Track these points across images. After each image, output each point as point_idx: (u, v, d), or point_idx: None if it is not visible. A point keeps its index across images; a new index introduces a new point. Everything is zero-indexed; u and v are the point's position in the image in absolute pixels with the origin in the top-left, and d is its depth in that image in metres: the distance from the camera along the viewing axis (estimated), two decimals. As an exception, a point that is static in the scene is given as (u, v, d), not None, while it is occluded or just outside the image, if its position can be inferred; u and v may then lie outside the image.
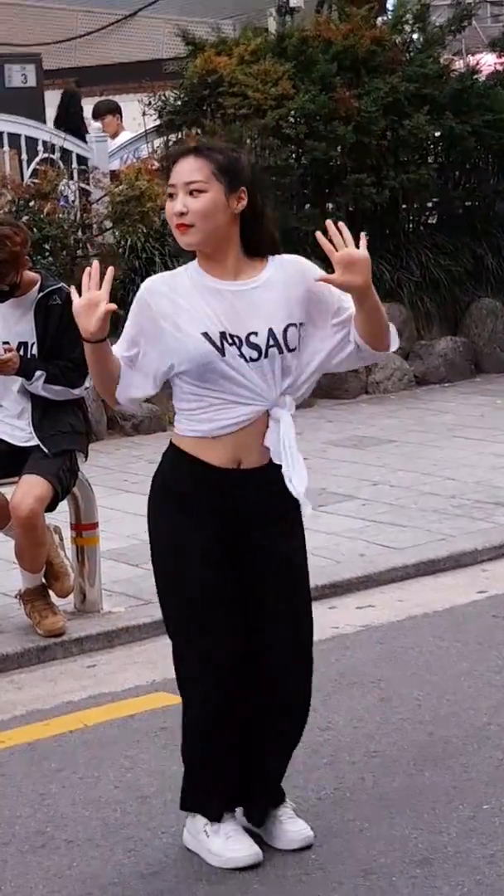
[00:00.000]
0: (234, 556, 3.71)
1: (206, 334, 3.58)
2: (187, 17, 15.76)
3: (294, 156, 10.62)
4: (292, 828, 3.83)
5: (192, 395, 3.64)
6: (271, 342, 3.62)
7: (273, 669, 3.74)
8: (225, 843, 3.74)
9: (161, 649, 5.42)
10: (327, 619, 5.72)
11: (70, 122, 11.31)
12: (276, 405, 3.65)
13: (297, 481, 3.66)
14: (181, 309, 3.60)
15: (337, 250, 3.57)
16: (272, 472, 3.66)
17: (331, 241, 3.56)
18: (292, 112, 10.51)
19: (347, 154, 10.75)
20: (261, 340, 3.61)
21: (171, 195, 3.60)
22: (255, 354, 3.61)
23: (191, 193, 3.55)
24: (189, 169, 3.57)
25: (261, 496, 3.67)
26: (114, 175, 10.23)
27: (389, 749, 4.43)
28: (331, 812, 4.02)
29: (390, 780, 4.19)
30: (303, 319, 3.67)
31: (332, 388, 10.34)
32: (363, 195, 10.76)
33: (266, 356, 3.61)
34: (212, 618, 3.67)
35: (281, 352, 3.63)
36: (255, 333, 3.61)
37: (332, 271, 3.58)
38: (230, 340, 3.59)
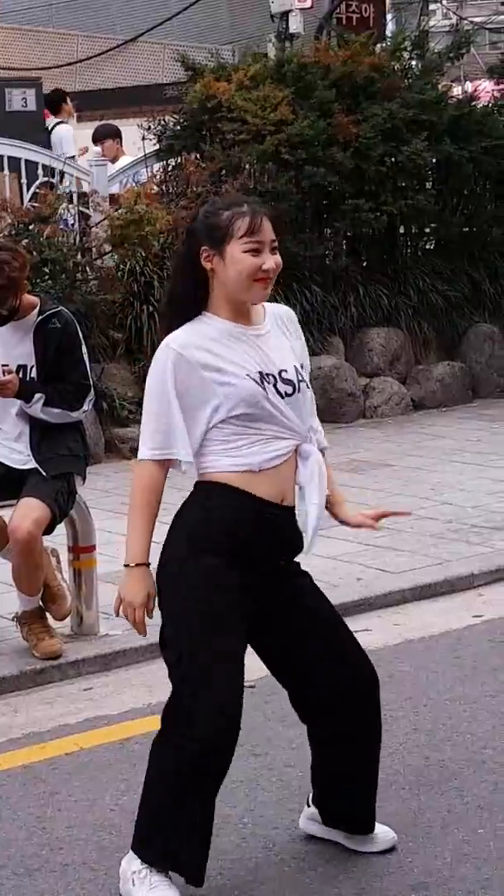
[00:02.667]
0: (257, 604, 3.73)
1: (249, 375, 3.65)
2: (187, 42, 15.87)
3: (293, 181, 10.67)
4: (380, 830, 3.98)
5: (235, 435, 3.66)
6: (300, 377, 3.74)
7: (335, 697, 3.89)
8: (149, 892, 3.63)
9: (157, 672, 5.43)
10: (324, 643, 5.74)
11: None
12: (306, 441, 3.74)
13: (311, 519, 3.73)
14: (218, 356, 3.64)
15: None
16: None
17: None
18: (291, 137, 10.56)
19: (346, 179, 10.81)
20: (292, 376, 3.72)
21: (255, 251, 3.64)
22: (289, 389, 3.70)
23: (272, 251, 3.69)
24: (270, 227, 3.69)
25: (294, 535, 3.75)
26: (113, 199, 10.28)
27: (385, 773, 4.41)
28: (326, 836, 4.02)
29: (386, 804, 4.19)
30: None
31: (329, 412, 10.38)
32: (361, 220, 10.82)
33: (299, 391, 3.72)
34: (232, 665, 3.66)
35: (308, 387, 3.77)
36: (286, 370, 3.71)
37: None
38: (268, 379, 3.67)
